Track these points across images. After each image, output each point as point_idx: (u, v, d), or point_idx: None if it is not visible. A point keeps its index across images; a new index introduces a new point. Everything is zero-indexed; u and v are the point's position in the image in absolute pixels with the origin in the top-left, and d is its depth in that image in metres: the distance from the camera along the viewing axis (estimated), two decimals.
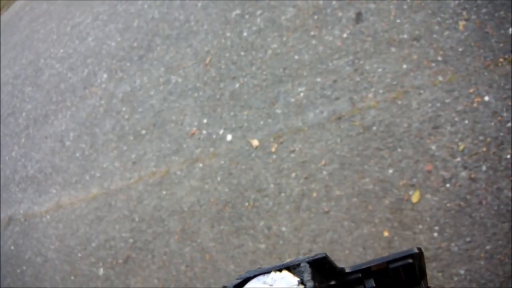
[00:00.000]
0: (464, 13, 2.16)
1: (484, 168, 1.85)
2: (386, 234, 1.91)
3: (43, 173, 3.57)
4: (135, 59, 3.42)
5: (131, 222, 2.79)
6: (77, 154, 3.36)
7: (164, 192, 2.70)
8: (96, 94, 3.53)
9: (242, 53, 2.77)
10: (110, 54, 3.66)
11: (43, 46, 4.45)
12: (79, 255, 2.99)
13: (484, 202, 1.80)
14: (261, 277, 0.46)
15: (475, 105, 1.97)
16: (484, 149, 1.88)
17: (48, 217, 3.35)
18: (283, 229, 2.18)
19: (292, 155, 2.30)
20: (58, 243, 3.17)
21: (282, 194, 2.25)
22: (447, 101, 2.02)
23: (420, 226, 1.86)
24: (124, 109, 3.22)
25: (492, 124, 1.91)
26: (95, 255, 2.90)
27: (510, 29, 2.04)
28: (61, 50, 4.19)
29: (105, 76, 3.56)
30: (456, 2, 2.18)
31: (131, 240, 2.74)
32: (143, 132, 2.99)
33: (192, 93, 2.86)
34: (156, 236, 2.63)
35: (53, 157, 3.57)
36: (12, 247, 3.51)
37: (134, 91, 3.24)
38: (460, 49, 2.09)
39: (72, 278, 2.98)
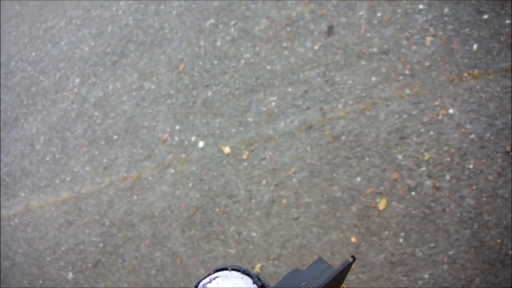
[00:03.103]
0: (431, 29, 2.23)
1: (448, 177, 1.90)
2: (353, 240, 1.94)
3: (12, 176, 3.48)
4: (108, 65, 3.38)
5: (102, 226, 2.75)
6: (47, 158, 3.30)
7: (135, 197, 2.67)
8: (68, 98, 3.48)
9: (215, 62, 2.77)
10: (83, 59, 3.61)
11: (15, 49, 4.36)
12: (48, 259, 2.92)
13: (447, 210, 1.85)
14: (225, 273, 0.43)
15: (440, 117, 2.02)
16: (448, 159, 1.93)
17: (16, 220, 3.26)
18: (253, 234, 2.19)
19: (263, 162, 2.31)
20: (27, 247, 3.09)
21: (253, 200, 2.26)
22: (413, 112, 2.07)
23: (386, 232, 1.90)
24: (96, 114, 3.18)
25: (456, 135, 1.96)
26: (64, 259, 2.84)
27: (475, 46, 2.11)
28: (33, 53, 4.11)
29: (77, 80, 3.51)
30: (424, 18, 2.24)
31: (101, 245, 2.70)
32: (115, 137, 2.96)
33: (165, 99, 2.85)
34: (127, 240, 2.60)
35: (22, 160, 3.49)
36: None
37: (106, 96, 3.20)
38: (427, 63, 2.15)
39: (41, 282, 2.91)
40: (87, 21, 3.85)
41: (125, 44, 3.39)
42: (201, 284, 0.41)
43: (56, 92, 3.61)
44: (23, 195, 3.31)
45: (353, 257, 0.46)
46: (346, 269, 0.44)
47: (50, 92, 3.67)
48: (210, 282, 0.41)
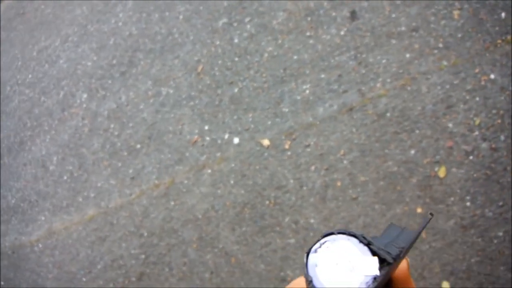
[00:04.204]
0: (457, 3, 2.28)
1: (502, 137, 1.94)
2: (419, 210, 1.96)
3: (27, 201, 3.38)
4: (116, 76, 3.33)
5: (140, 237, 2.68)
6: (65, 177, 3.21)
7: (172, 203, 2.62)
8: (77, 115, 3.41)
9: (236, 59, 2.77)
10: (87, 74, 3.55)
11: (7, 74, 4.25)
12: (84, 279, 2.83)
13: (508, 168, 1.88)
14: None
15: (482, 83, 2.07)
16: (499, 121, 1.97)
17: (40, 245, 3.16)
18: (312, 221, 2.18)
19: (308, 149, 2.31)
20: (57, 271, 2.99)
21: (304, 188, 2.25)
22: (455, 82, 2.11)
23: (452, 198, 1.92)
24: (112, 126, 3.12)
25: (502, 98, 2.01)
26: (103, 277, 2.76)
27: (503, 14, 2.17)
28: (29, 76, 4.02)
29: (84, 96, 3.45)
30: None
31: (143, 256, 2.64)
32: (138, 146, 2.91)
33: (187, 102, 2.82)
34: (171, 248, 2.55)
35: (36, 183, 3.39)
36: (3, 283, 3.28)
37: (120, 107, 3.15)
38: (459, 35, 2.20)
39: None
40: (84, 37, 3.79)
41: (132, 53, 3.35)
42: (312, 249, 0.43)
43: (62, 110, 3.53)
44: (43, 218, 3.21)
45: (431, 214, 0.46)
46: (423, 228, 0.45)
47: (55, 111, 3.59)
48: (320, 247, 0.43)
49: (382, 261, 0.40)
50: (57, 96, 3.65)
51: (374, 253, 0.41)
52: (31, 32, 4.34)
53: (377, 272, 0.39)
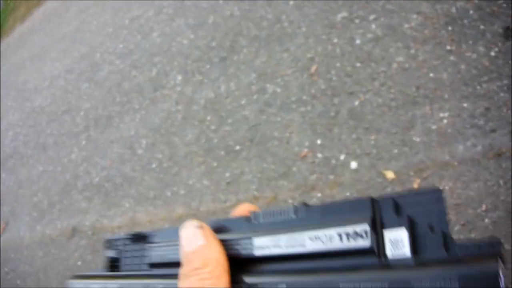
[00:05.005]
0: None
1: None
2: None
3: (112, 183, 3.25)
4: (215, 61, 3.07)
5: None
6: (153, 166, 3.04)
7: None
8: (170, 98, 3.19)
9: (358, 64, 2.43)
10: (183, 53, 3.30)
11: (98, 39, 4.08)
12: None
13: None
14: None
15: None
16: None
17: (122, 234, 3.05)
18: None
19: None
20: None
21: None
22: None
23: None
24: (208, 118, 2.89)
25: None
26: None
27: None
28: (120, 45, 3.83)
29: (179, 77, 3.22)
30: None
31: None
32: (237, 147, 2.66)
33: (297, 106, 2.53)
34: None
35: (122, 165, 3.25)
36: (79, 263, 3.21)
37: (219, 98, 2.90)
38: None
39: None
40: (180, 11, 3.53)
41: (234, 38, 3.06)
42: None
43: (154, 89, 3.33)
44: (127, 205, 3.08)
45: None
46: None
47: (146, 89, 3.39)
48: None
49: None
50: (149, 72, 3.44)
51: None
52: None
53: None
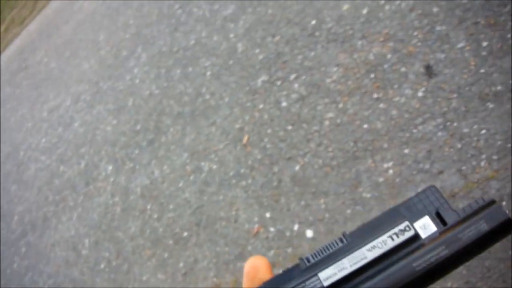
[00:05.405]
0: None
1: None
2: None
3: None
4: (143, 145, 2.73)
5: None
6: (102, 266, 2.63)
7: None
8: (104, 190, 2.80)
9: (290, 127, 2.18)
10: (109, 141, 2.93)
11: (19, 136, 3.61)
12: None
13: None
14: None
15: None
16: None
17: None
18: None
19: None
20: None
21: None
22: None
23: None
24: (149, 207, 2.53)
25: None
26: None
27: None
28: (43, 140, 3.39)
29: (109, 167, 2.84)
30: None
31: None
32: (185, 234, 2.32)
33: (237, 181, 2.24)
34: None
35: (69, 269, 2.80)
36: None
37: (155, 184, 2.56)
38: None
39: None
40: (98, 96, 3.16)
41: (158, 118, 2.74)
42: None
43: (86, 183, 2.93)
44: None
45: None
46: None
47: (78, 184, 2.98)
48: None
49: None
50: (77, 165, 3.04)
51: None
52: (38, 89, 3.69)
53: None
